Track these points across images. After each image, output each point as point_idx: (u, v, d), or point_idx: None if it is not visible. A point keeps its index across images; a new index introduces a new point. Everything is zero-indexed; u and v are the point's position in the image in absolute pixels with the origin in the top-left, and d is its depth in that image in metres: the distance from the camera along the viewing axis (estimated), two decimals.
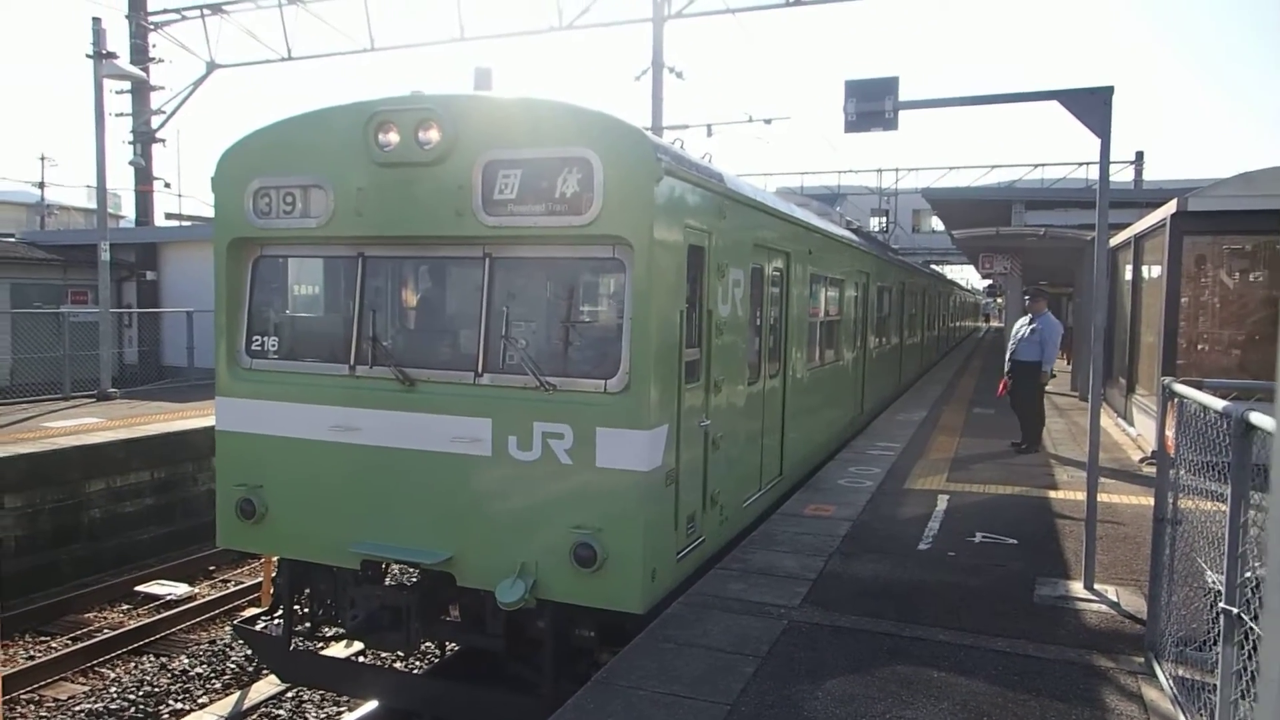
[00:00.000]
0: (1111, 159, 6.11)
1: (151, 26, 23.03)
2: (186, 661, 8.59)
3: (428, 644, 7.29)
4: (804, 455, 9.68)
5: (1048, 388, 12.08)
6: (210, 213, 7.14)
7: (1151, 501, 5.06)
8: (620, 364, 5.33)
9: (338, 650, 7.84)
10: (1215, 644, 3.74)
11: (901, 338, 18.45)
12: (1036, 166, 35.99)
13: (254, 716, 7.63)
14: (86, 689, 8.15)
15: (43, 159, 46.78)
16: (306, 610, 6.58)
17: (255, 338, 6.36)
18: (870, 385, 14.20)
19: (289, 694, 7.90)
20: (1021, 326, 11.68)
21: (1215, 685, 3.70)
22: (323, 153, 5.87)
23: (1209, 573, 4.04)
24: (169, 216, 28.66)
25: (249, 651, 8.50)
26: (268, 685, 8.01)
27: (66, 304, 20.74)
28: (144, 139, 23.60)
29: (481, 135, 5.43)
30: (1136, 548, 7.12)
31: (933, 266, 37.79)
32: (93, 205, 25.87)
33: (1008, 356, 11.82)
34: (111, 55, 16.68)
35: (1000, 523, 7.94)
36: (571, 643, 5.73)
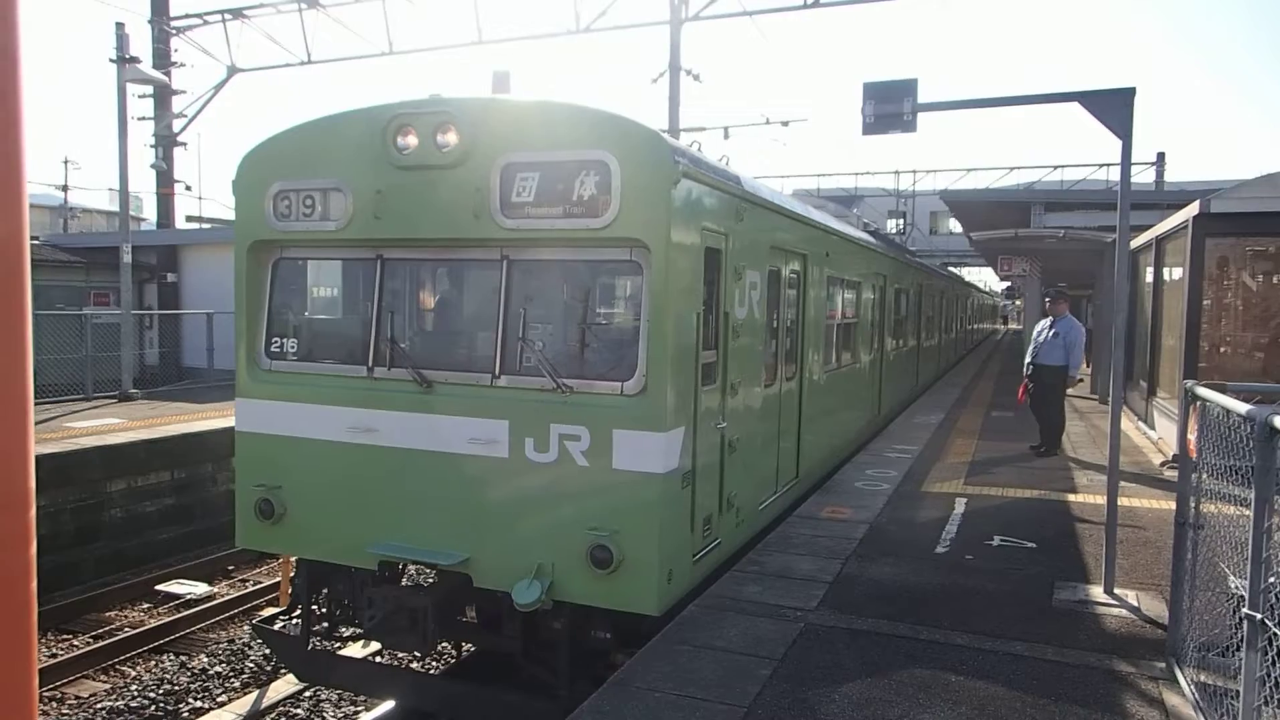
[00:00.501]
0: (1132, 160, 6.05)
1: (173, 31, 23.29)
2: (206, 660, 8.66)
3: (444, 645, 7.32)
4: (821, 457, 9.65)
5: (1070, 391, 11.97)
6: (230, 215, 7.20)
7: (1173, 505, 5.01)
8: (637, 366, 5.34)
9: (355, 650, 7.88)
10: (1238, 650, 3.69)
11: (919, 340, 18.36)
12: (1056, 168, 35.83)
13: (272, 715, 7.68)
14: (108, 687, 8.24)
15: (66, 162, 47.20)
16: (324, 610, 6.62)
17: (275, 339, 6.41)
18: (887, 387, 14.14)
19: (307, 693, 7.95)
20: (1042, 329, 11.57)
21: (1238, 691, 3.66)
22: (342, 156, 5.91)
23: (1232, 578, 3.99)
24: (190, 219, 28.93)
25: (267, 651, 8.56)
26: (286, 684, 8.06)
27: (89, 305, 20.98)
28: (165, 142, 23.86)
29: (499, 138, 5.45)
30: (1157, 552, 7.05)
31: (950, 269, 37.57)
32: (114, 208, 26.16)
33: (1028, 360, 11.71)
34: (134, 60, 16.88)
35: (1019, 526, 7.88)
36: (587, 644, 5.74)
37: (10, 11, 1.20)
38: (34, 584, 1.11)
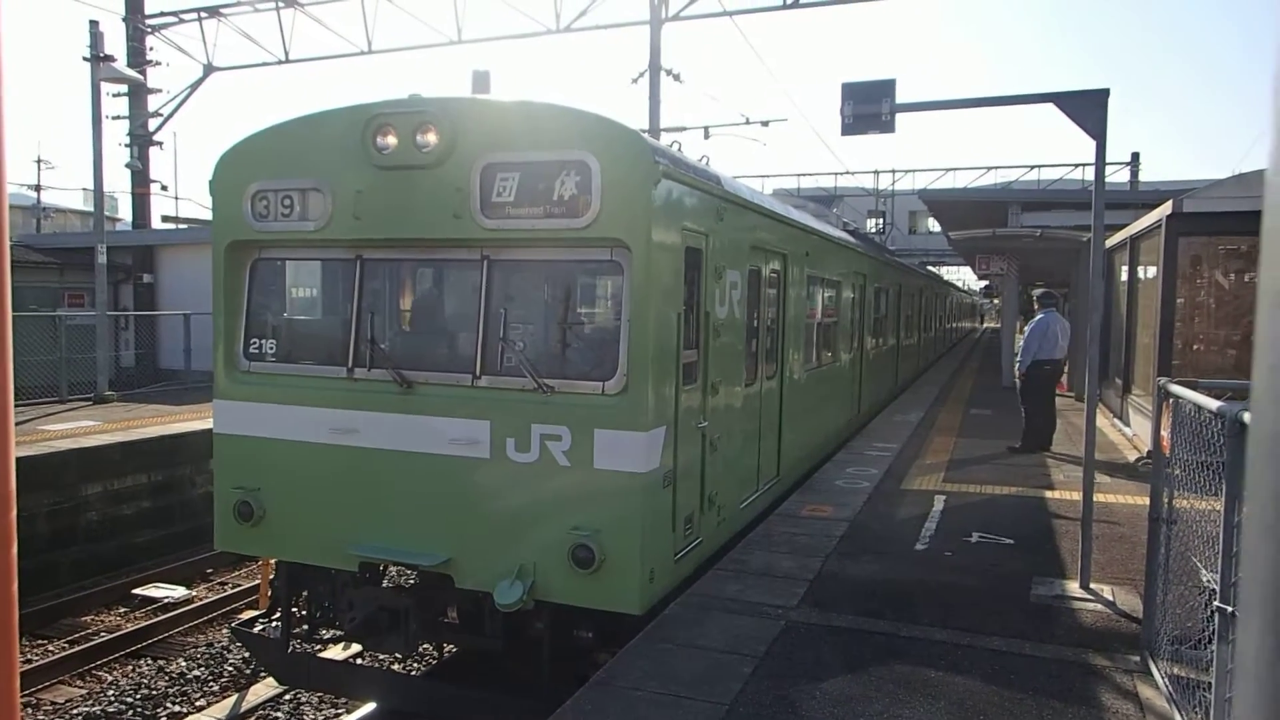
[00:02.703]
0: (1107, 160, 6.13)
1: (149, 29, 23.04)
2: (184, 664, 8.59)
3: (426, 645, 7.30)
4: (801, 456, 9.70)
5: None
6: (207, 215, 7.16)
7: (1147, 501, 5.08)
8: (618, 366, 5.35)
9: (336, 652, 7.84)
10: (1210, 642, 3.76)
11: (898, 339, 18.49)
12: (1033, 168, 36.15)
13: (252, 719, 7.63)
14: (84, 692, 8.15)
15: (39, 162, 46.50)
16: (304, 612, 6.59)
17: (253, 340, 6.37)
18: (867, 386, 14.23)
19: (287, 696, 7.90)
20: None
21: (1210, 683, 3.73)
22: (321, 156, 5.88)
23: (1204, 571, 4.06)
24: (165, 219, 28.62)
25: (247, 654, 8.50)
26: (266, 687, 8.01)
27: (63, 307, 20.72)
28: (141, 142, 23.60)
29: (479, 138, 5.45)
30: (1132, 547, 7.14)
31: (929, 268, 37.85)
32: (89, 208, 25.87)
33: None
34: (109, 58, 16.67)
35: (997, 523, 7.96)
36: (570, 644, 5.75)
37: None
38: (15, 584, 1.12)
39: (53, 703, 7.96)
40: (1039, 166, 35.99)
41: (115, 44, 20.69)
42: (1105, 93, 5.92)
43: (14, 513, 1.09)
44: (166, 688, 8.11)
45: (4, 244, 1.11)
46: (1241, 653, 0.66)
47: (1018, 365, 11.66)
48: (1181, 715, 4.20)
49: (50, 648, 9.17)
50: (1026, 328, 11.65)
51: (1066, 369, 20.51)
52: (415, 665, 8.22)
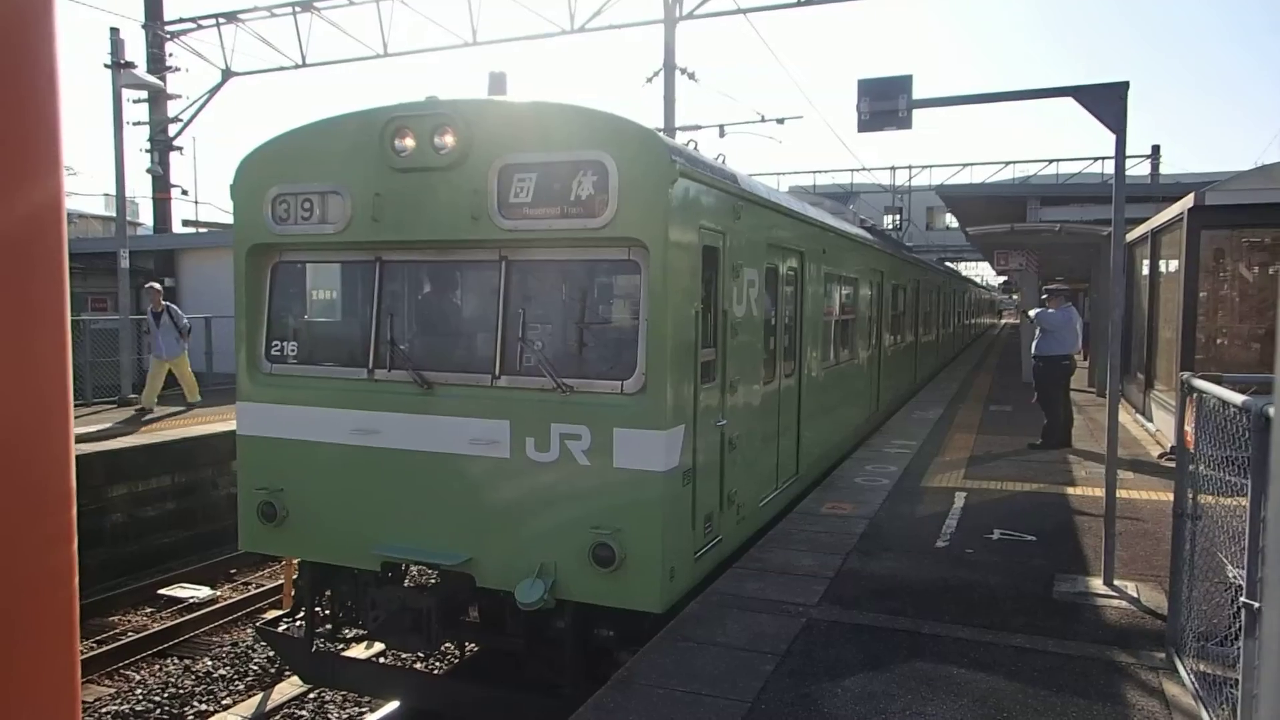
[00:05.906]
0: (1128, 153, 6.08)
1: (168, 36, 23.27)
2: (210, 663, 8.68)
3: (448, 645, 7.35)
4: (820, 453, 9.68)
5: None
6: (227, 219, 7.24)
7: (1171, 497, 5.04)
8: (636, 365, 5.36)
9: (359, 651, 7.90)
10: (1237, 639, 3.73)
11: (916, 335, 18.40)
12: (1051, 162, 35.80)
13: (277, 717, 7.70)
14: (112, 691, 8.25)
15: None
16: (328, 612, 6.65)
17: (275, 343, 6.43)
18: (886, 383, 14.17)
19: (311, 695, 7.97)
20: None
21: (1237, 680, 3.69)
22: (340, 159, 5.93)
23: (1230, 567, 4.03)
24: (186, 223, 28.86)
25: (271, 653, 8.59)
26: (290, 686, 8.08)
27: (86, 311, 20.97)
28: (161, 147, 23.85)
29: (496, 140, 5.48)
30: (1156, 543, 7.08)
31: (947, 264, 37.64)
32: (111, 213, 26.14)
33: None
34: (129, 65, 16.85)
35: (1018, 520, 7.91)
36: (591, 642, 5.77)
37: None
38: (75, 580, 1.15)
39: (82, 701, 8.06)
40: (1057, 160, 35.65)
41: (135, 50, 20.92)
42: (1124, 85, 5.87)
43: (74, 510, 1.12)
44: (193, 687, 8.20)
45: (63, 248, 1.14)
46: (1267, 645, 0.66)
47: (1038, 347, 11.72)
48: (1208, 712, 4.17)
49: (79, 647, 9.29)
50: (1043, 316, 11.57)
51: (1088, 365, 20.37)
52: (437, 664, 8.28)
